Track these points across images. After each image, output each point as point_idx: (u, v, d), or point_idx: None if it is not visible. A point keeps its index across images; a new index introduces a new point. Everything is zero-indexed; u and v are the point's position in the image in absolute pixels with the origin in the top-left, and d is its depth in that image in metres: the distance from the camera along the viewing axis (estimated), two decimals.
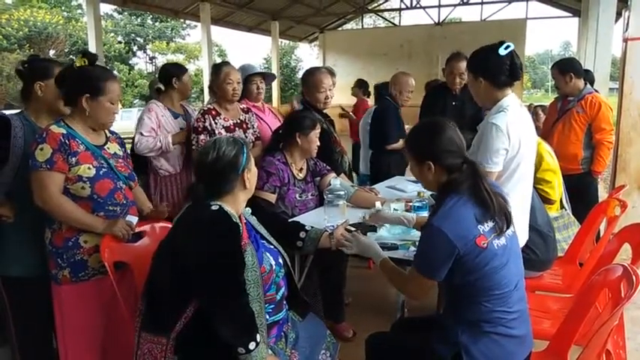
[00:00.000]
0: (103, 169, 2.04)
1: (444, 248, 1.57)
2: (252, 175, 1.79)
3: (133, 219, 2.09)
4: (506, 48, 2.08)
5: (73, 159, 1.96)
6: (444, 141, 1.70)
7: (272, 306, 1.79)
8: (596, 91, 3.88)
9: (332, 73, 4.14)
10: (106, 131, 2.16)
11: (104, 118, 2.05)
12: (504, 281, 1.63)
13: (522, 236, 2.26)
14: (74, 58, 2.05)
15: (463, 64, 3.61)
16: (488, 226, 1.62)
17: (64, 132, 1.96)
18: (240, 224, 1.72)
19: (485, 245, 1.59)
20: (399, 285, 1.81)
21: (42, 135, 1.94)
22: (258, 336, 1.57)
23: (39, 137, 1.94)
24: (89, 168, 1.99)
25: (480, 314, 1.63)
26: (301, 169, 2.85)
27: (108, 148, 2.12)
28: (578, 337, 1.83)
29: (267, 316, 1.76)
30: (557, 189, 3.25)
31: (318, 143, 2.80)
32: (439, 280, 1.65)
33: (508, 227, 1.65)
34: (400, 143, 4.07)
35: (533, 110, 5.94)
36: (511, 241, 1.69)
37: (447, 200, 1.64)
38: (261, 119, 3.41)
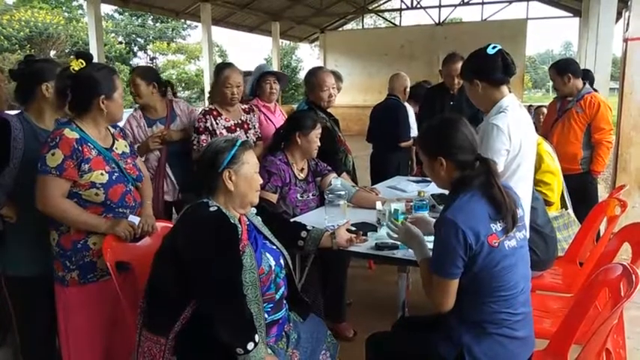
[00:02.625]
0: (115, 174, 2.04)
1: (459, 240, 1.55)
2: (240, 180, 1.75)
3: (135, 219, 2.09)
4: (493, 48, 2.10)
5: (86, 166, 1.95)
6: (456, 137, 1.69)
7: (271, 305, 1.80)
8: (595, 90, 3.89)
9: (339, 78, 4.24)
10: (109, 128, 2.15)
11: (119, 113, 2.08)
12: (511, 283, 1.62)
13: None
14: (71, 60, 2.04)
15: (459, 65, 3.64)
16: (500, 225, 1.61)
17: (77, 137, 1.94)
18: (239, 226, 1.73)
19: (497, 244, 1.59)
20: (428, 291, 1.72)
21: (55, 139, 1.91)
22: (256, 336, 1.57)
23: (51, 141, 1.92)
24: (102, 174, 1.99)
25: (485, 315, 1.63)
26: (302, 169, 2.86)
27: (116, 149, 2.11)
28: (578, 336, 1.84)
29: (266, 315, 1.76)
30: (556, 191, 3.25)
31: (319, 144, 2.81)
32: (456, 278, 1.60)
33: (514, 226, 1.64)
34: (411, 142, 4.23)
35: (535, 111, 5.93)
36: (521, 244, 1.69)
37: (460, 195, 1.64)
38: (270, 120, 3.41)
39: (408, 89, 4.56)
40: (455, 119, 1.76)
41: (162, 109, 3.13)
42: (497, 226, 1.61)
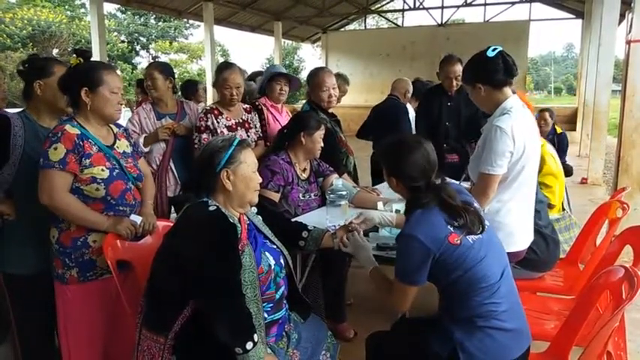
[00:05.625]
0: (116, 171, 2.04)
1: (419, 252, 1.62)
2: (238, 179, 1.74)
3: (137, 218, 2.09)
4: (493, 50, 2.10)
5: (87, 160, 1.96)
6: (408, 165, 1.75)
7: (270, 304, 1.80)
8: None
9: (345, 81, 4.27)
10: (112, 127, 2.15)
11: (108, 110, 2.03)
12: (488, 273, 1.65)
13: (527, 237, 2.26)
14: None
15: (457, 67, 3.66)
16: (459, 224, 1.65)
17: (79, 132, 1.96)
18: (238, 225, 1.73)
19: (459, 242, 1.62)
20: (385, 294, 1.83)
21: (56, 134, 1.93)
22: (255, 336, 1.57)
23: (53, 136, 1.93)
24: (102, 170, 1.99)
25: (472, 309, 1.65)
26: (305, 169, 2.86)
27: (117, 147, 2.11)
28: (579, 338, 1.83)
29: (266, 315, 1.76)
30: (557, 193, 3.24)
31: (322, 144, 2.81)
32: (421, 285, 1.68)
33: (484, 229, 1.68)
34: None
35: (539, 113, 5.91)
36: (487, 233, 1.72)
37: (414, 212, 1.70)
38: (277, 120, 3.41)
39: (410, 94, 4.65)
40: (411, 143, 1.79)
41: (173, 106, 3.20)
42: (454, 226, 1.65)
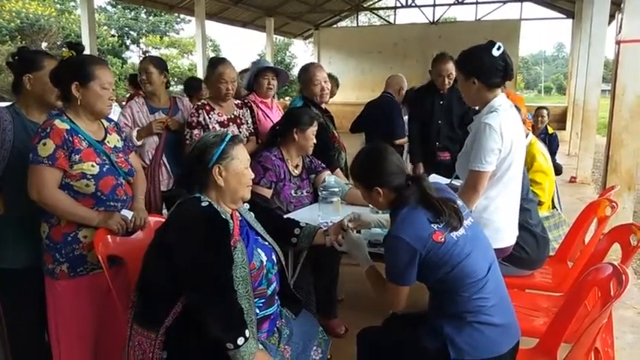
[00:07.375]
0: (106, 166, 2.03)
1: (405, 253, 1.64)
2: (230, 175, 1.75)
3: (128, 214, 2.08)
4: (498, 49, 2.09)
5: (76, 156, 1.94)
6: (387, 166, 1.81)
7: (262, 300, 1.80)
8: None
9: (335, 83, 4.29)
10: (103, 121, 2.13)
11: (99, 105, 2.00)
12: (475, 269, 1.68)
13: (514, 233, 2.28)
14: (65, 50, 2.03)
15: (449, 65, 3.66)
16: (442, 222, 1.68)
17: (68, 127, 1.94)
18: (230, 221, 1.73)
19: (443, 239, 1.65)
20: (379, 294, 1.86)
21: (45, 129, 1.91)
22: (247, 331, 1.57)
23: (42, 131, 1.91)
24: (92, 165, 1.97)
25: (461, 305, 1.67)
26: (297, 165, 2.86)
27: (108, 142, 2.10)
28: (568, 334, 1.86)
29: (258, 311, 1.77)
30: (547, 190, 3.27)
31: (315, 141, 2.81)
32: (412, 284, 1.71)
33: (462, 225, 1.70)
34: (405, 139, 4.29)
35: (536, 112, 5.95)
36: (471, 230, 1.74)
37: (399, 212, 1.73)
38: (267, 116, 3.40)
39: (404, 91, 4.67)
40: (380, 149, 1.87)
41: (166, 101, 3.20)
42: (438, 225, 1.68)
